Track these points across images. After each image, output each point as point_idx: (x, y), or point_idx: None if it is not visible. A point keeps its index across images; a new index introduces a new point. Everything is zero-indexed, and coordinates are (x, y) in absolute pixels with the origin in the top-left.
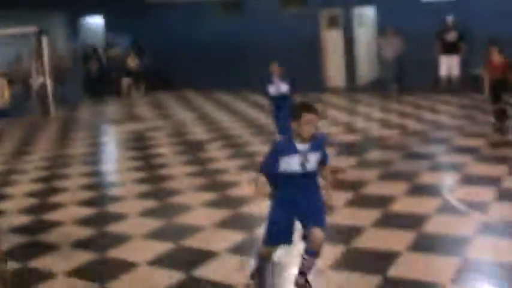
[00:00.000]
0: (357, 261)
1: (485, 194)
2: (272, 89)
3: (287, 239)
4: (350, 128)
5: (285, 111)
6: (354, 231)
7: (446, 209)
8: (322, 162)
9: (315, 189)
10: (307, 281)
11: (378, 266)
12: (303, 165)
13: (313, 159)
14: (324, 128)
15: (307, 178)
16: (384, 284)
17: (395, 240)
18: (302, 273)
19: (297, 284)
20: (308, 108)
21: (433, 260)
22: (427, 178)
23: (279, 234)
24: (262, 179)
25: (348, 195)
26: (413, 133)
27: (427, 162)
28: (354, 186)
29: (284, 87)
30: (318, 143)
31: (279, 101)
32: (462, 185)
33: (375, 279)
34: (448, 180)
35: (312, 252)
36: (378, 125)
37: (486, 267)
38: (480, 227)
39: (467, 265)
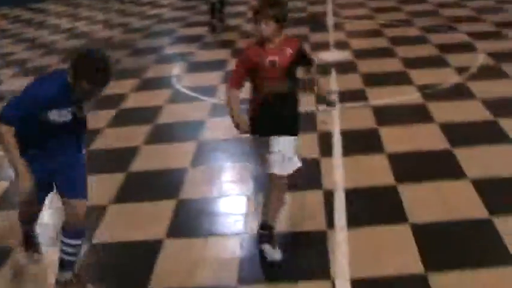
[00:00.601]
0: (98, 163)
1: (213, 78)
2: None
3: (44, 193)
4: (73, 34)
5: None
6: (90, 134)
7: (178, 98)
8: None
9: (80, 137)
10: (75, 275)
11: (120, 164)
12: (74, 114)
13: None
14: (46, 37)
15: (76, 125)
16: (128, 180)
17: (133, 136)
18: (66, 264)
19: (59, 282)
20: (99, 77)
21: (172, 148)
22: (155, 71)
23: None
24: (7, 130)
25: None
26: (136, 30)
27: (153, 56)
28: None
29: None
30: None
31: None
32: (190, 73)
33: (119, 177)
34: (176, 70)
35: (76, 233)
36: (101, 27)
37: (218, 145)
38: (211, 110)
39: (203, 146)
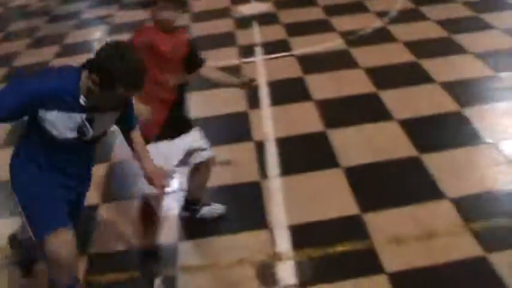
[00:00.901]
0: None
1: None
2: None
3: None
4: None
5: None
6: None
7: None
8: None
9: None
10: None
11: None
12: (82, 132)
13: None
14: None
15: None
16: None
17: None
18: None
19: None
20: (137, 80)
21: None
22: (75, 37)
23: (55, 210)
24: None
25: (1, 71)
26: None
27: (73, 21)
28: (5, 61)
29: None
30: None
31: None
32: (111, 36)
33: None
34: (96, 34)
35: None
36: None
37: None
38: None
39: None
